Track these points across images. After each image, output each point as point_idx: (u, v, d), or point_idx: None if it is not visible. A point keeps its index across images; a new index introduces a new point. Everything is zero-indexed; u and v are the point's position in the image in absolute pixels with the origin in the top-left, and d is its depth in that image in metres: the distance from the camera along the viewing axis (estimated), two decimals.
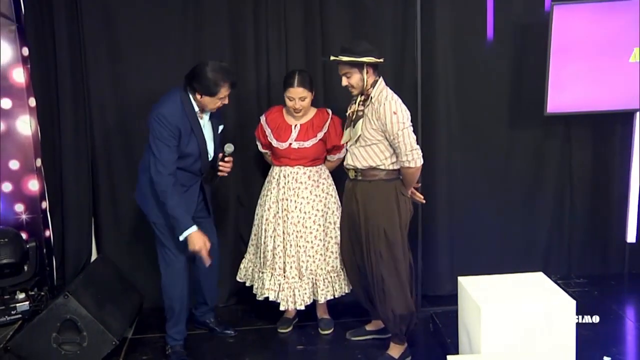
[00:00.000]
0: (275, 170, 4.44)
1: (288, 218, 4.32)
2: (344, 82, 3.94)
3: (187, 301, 4.26)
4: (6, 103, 4.57)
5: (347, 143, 4.12)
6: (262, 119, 4.42)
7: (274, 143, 4.33)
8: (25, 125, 4.60)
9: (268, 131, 4.36)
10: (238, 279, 4.64)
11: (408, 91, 4.72)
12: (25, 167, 4.64)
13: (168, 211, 3.87)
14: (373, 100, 3.89)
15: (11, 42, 4.52)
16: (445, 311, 4.52)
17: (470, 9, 4.85)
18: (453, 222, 5.01)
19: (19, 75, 4.56)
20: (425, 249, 4.79)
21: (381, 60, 3.90)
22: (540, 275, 3.87)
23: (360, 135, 3.94)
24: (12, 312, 4.33)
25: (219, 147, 4.19)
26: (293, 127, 4.32)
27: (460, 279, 3.87)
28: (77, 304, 4.04)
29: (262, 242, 4.43)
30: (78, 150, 4.79)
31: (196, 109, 3.97)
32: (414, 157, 3.86)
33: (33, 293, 4.51)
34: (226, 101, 3.98)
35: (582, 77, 4.68)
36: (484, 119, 4.96)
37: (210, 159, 4.12)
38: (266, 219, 4.41)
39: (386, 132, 3.84)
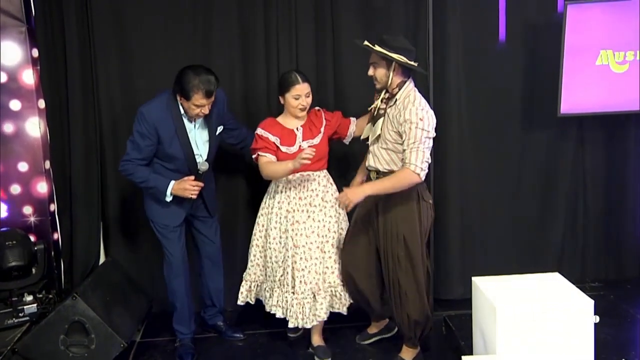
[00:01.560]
0: (281, 181, 4.20)
1: (299, 230, 4.11)
2: (370, 71, 3.84)
3: (189, 298, 4.34)
4: (15, 105, 4.56)
5: (364, 137, 4.06)
6: (260, 130, 4.11)
7: (283, 149, 4.09)
8: (35, 127, 4.58)
9: (274, 138, 4.09)
10: (240, 302, 4.39)
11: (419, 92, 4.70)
12: (34, 169, 4.63)
13: (144, 187, 4.09)
14: (397, 102, 3.78)
15: (21, 43, 4.53)
16: (458, 314, 4.46)
17: (482, 10, 4.84)
18: (465, 225, 4.97)
19: (28, 77, 4.55)
20: (437, 252, 4.78)
21: (413, 63, 3.78)
22: (556, 276, 3.82)
23: (379, 135, 3.84)
24: (20, 315, 4.29)
25: (215, 147, 4.21)
26: (295, 129, 4.14)
27: (475, 279, 3.81)
28: (85, 306, 4.01)
29: (269, 257, 4.23)
30: (87, 153, 4.77)
31: (182, 111, 4.01)
32: (423, 169, 3.69)
33: (41, 296, 4.48)
34: (205, 111, 3.95)
35: (595, 77, 4.64)
36: (496, 120, 4.93)
37: (204, 159, 4.14)
38: (273, 236, 4.19)
39: (404, 134, 3.69)
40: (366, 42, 3.79)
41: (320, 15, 4.78)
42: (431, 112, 3.76)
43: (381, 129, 3.83)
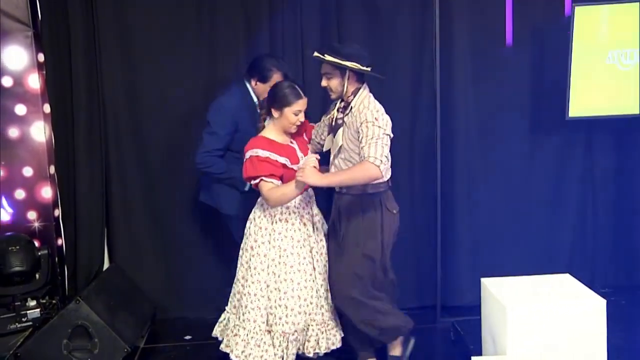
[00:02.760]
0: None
1: (317, 253, 3.89)
2: (324, 82, 3.73)
3: None
4: (21, 109, 4.53)
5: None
6: (262, 152, 3.67)
7: (294, 167, 3.73)
8: (40, 132, 4.56)
9: (283, 159, 3.72)
10: (215, 334, 4.06)
11: (426, 97, 4.70)
12: (38, 174, 4.58)
13: (223, 178, 4.21)
14: (353, 109, 3.68)
15: (27, 48, 4.50)
16: (466, 320, 4.41)
17: (489, 14, 4.83)
18: (473, 231, 4.92)
19: (34, 82, 4.53)
20: (444, 258, 4.72)
21: (366, 69, 3.67)
22: (566, 277, 3.80)
23: (341, 146, 3.73)
24: (23, 320, 4.24)
25: None
26: (290, 144, 3.84)
27: (484, 280, 3.79)
28: (88, 310, 3.98)
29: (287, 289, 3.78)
30: (92, 158, 4.76)
31: (255, 99, 4.14)
32: (382, 162, 3.53)
33: (44, 301, 4.42)
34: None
35: (604, 80, 4.63)
36: (504, 124, 4.90)
37: None
38: (291, 265, 3.78)
39: (362, 133, 3.57)
40: (316, 53, 3.70)
41: (326, 20, 4.79)
42: (387, 116, 3.67)
43: (342, 139, 3.73)
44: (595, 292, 4.69)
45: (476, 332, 3.96)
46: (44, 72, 4.59)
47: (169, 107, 4.77)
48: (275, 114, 3.71)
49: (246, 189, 4.13)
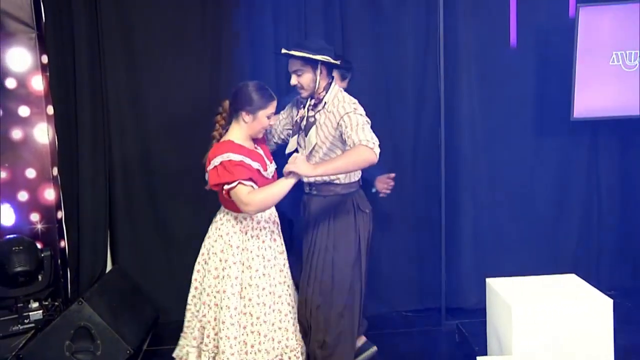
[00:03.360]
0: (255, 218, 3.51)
1: (288, 272, 3.63)
2: (293, 80, 3.56)
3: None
4: (24, 111, 4.55)
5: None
6: (236, 156, 3.30)
7: (265, 174, 3.46)
8: (43, 134, 4.56)
9: (256, 165, 3.39)
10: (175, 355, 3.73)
11: (431, 98, 4.71)
12: (41, 176, 4.59)
13: None
14: (327, 105, 3.56)
15: (31, 49, 4.53)
16: (471, 322, 4.39)
17: (493, 16, 4.84)
18: (477, 232, 4.91)
19: (37, 83, 4.54)
20: (449, 261, 4.70)
21: (337, 62, 3.60)
22: (572, 277, 3.78)
23: (315, 145, 3.58)
24: (26, 321, 4.25)
25: None
26: (255, 149, 3.53)
27: (489, 280, 3.77)
28: (91, 311, 3.95)
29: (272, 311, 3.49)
30: (95, 160, 4.75)
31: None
32: (376, 144, 3.32)
33: (47, 303, 4.43)
34: None
35: (609, 81, 4.63)
36: (508, 125, 4.90)
37: None
38: (263, 288, 3.46)
39: (344, 126, 3.42)
40: (284, 50, 3.57)
41: (329, 20, 4.79)
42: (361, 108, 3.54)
43: (315, 138, 3.58)
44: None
45: (481, 334, 3.94)
46: (48, 73, 4.61)
47: (173, 109, 4.77)
48: (246, 117, 3.38)
49: None
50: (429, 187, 4.80)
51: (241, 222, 3.42)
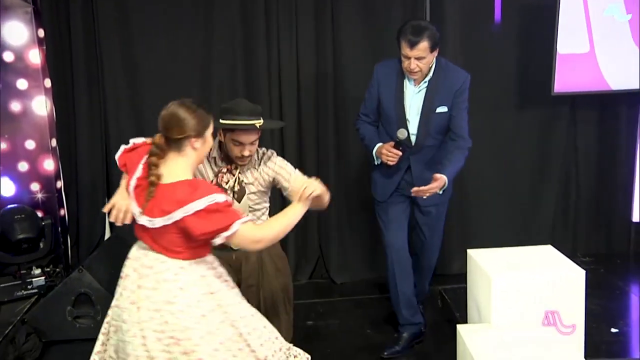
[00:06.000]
0: None
1: None
2: (249, 151, 3.20)
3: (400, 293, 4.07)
4: (22, 84, 4.65)
5: None
6: (218, 197, 2.63)
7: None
8: (41, 106, 4.67)
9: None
10: None
11: None
12: (40, 147, 4.71)
13: (364, 145, 3.98)
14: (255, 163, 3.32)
15: (27, 23, 4.61)
16: (453, 288, 4.58)
17: None
18: (461, 202, 5.06)
19: (34, 57, 4.64)
20: None
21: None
22: (549, 248, 3.91)
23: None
24: (29, 287, 4.40)
25: (432, 126, 3.83)
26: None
27: (470, 251, 3.90)
28: (91, 278, 4.11)
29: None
30: (92, 131, 4.89)
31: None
32: None
33: (49, 270, 4.58)
34: (409, 66, 3.66)
35: (588, 57, 4.79)
36: (492, 100, 5.03)
37: (414, 130, 3.84)
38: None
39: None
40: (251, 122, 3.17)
41: (320, 4, 4.92)
42: None
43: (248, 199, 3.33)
44: (576, 260, 4.84)
45: (462, 300, 4.08)
46: (44, 47, 4.69)
47: (166, 79, 4.86)
48: (196, 143, 2.72)
49: (376, 162, 3.91)
50: None
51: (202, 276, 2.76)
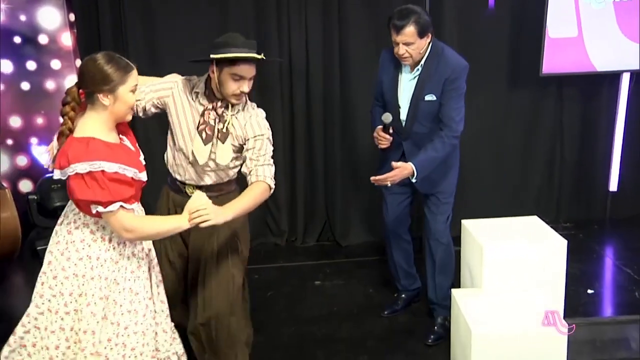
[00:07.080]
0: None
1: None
2: (247, 88, 3.06)
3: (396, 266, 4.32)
4: (56, 64, 5.01)
5: None
6: (111, 165, 2.56)
7: (140, 176, 2.75)
8: (73, 84, 4.99)
9: (132, 172, 2.66)
10: None
11: None
12: None
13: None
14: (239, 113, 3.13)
15: (59, 8, 4.95)
16: None
17: None
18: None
19: (67, 39, 4.99)
20: None
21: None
22: (535, 219, 4.19)
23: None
24: None
25: (421, 112, 3.78)
26: (122, 141, 2.81)
27: (464, 221, 4.16)
28: None
29: None
30: None
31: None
32: (273, 181, 3.09)
33: None
34: (400, 51, 3.62)
35: (576, 41, 5.12)
36: (484, 80, 5.26)
37: (404, 115, 3.84)
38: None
39: (251, 149, 3.09)
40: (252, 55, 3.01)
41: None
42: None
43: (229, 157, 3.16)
44: (558, 226, 5.22)
45: (456, 264, 4.19)
46: (75, 30, 5.01)
47: (187, 66, 5.06)
48: (104, 99, 2.58)
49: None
50: None
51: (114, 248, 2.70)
